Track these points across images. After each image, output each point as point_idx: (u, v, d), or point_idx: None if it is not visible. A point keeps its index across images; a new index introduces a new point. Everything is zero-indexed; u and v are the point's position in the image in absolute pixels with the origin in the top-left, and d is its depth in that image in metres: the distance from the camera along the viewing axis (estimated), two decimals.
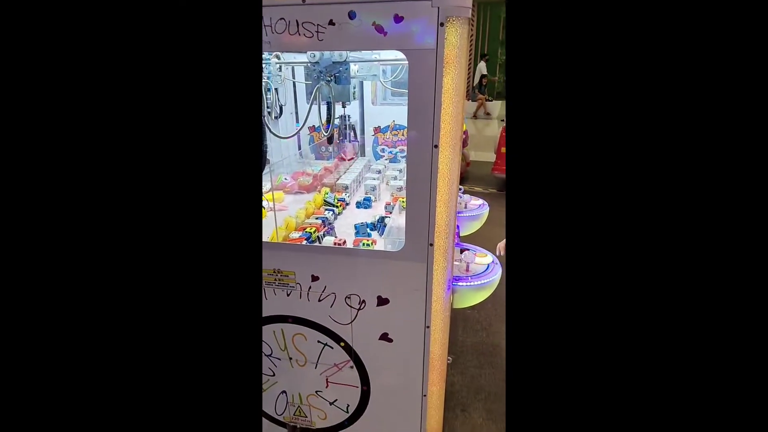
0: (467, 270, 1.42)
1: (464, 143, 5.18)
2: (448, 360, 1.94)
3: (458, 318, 2.49)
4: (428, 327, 1.28)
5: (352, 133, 1.56)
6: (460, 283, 1.34)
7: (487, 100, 10.62)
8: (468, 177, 5.41)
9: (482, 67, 10.67)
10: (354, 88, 1.50)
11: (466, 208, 2.00)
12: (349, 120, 1.52)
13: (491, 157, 5.19)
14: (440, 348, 1.34)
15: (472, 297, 1.38)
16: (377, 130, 2.29)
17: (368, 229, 1.45)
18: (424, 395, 1.37)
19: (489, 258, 1.48)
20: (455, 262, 1.45)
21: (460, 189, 1.89)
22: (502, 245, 1.46)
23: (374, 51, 1.54)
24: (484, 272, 1.40)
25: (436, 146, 1.09)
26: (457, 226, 1.93)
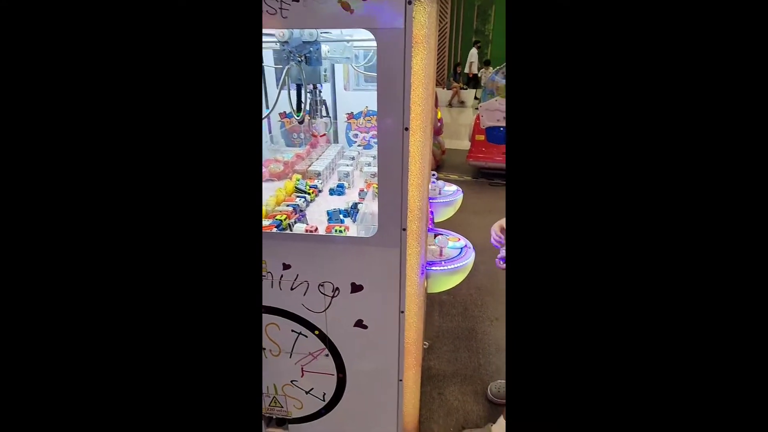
0: (441, 254, 1.42)
1: (439, 131, 5.19)
2: (425, 345, 1.96)
3: (435, 303, 2.52)
4: (402, 312, 1.28)
5: (323, 109, 1.51)
6: (434, 268, 1.34)
7: (461, 89, 10.67)
8: (443, 165, 5.43)
9: (474, 54, 10.59)
10: (325, 70, 1.46)
11: (440, 194, 2.00)
12: (320, 95, 1.47)
13: (466, 145, 5.23)
14: (415, 332, 1.35)
15: (447, 281, 1.38)
16: (350, 116, 2.25)
17: (341, 216, 1.43)
18: (400, 380, 1.38)
19: (462, 242, 1.49)
20: (429, 247, 1.44)
21: (433, 175, 1.89)
22: (499, 227, 1.40)
23: (343, 31, 1.50)
24: (458, 256, 1.41)
25: (406, 129, 1.07)
26: (431, 212, 1.93)
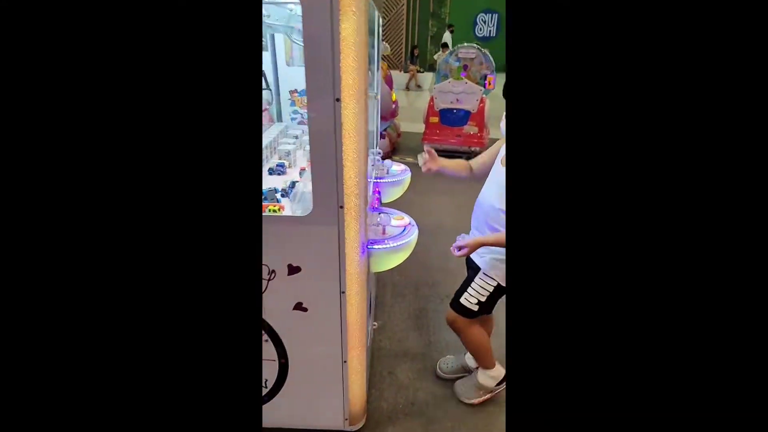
0: (383, 233, 1.39)
1: (394, 114, 5.14)
2: (374, 325, 1.95)
3: (387, 284, 2.51)
4: (344, 292, 1.25)
5: (263, 80, 1.41)
6: (376, 246, 1.31)
7: (418, 72, 10.63)
8: (399, 148, 5.41)
9: (447, 37, 10.40)
10: (264, 38, 1.36)
11: (388, 173, 1.97)
12: None
13: (422, 128, 5.23)
14: (358, 313, 1.32)
15: (389, 259, 1.36)
16: (294, 93, 2.15)
17: (278, 195, 1.35)
18: (345, 361, 1.35)
19: (406, 220, 1.47)
20: (372, 226, 1.41)
21: (378, 153, 1.84)
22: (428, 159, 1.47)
23: None
24: (400, 234, 1.38)
25: (338, 100, 1.01)
26: (378, 192, 1.90)
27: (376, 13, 1.68)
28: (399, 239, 1.36)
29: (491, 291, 1.48)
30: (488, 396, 1.70)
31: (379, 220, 1.39)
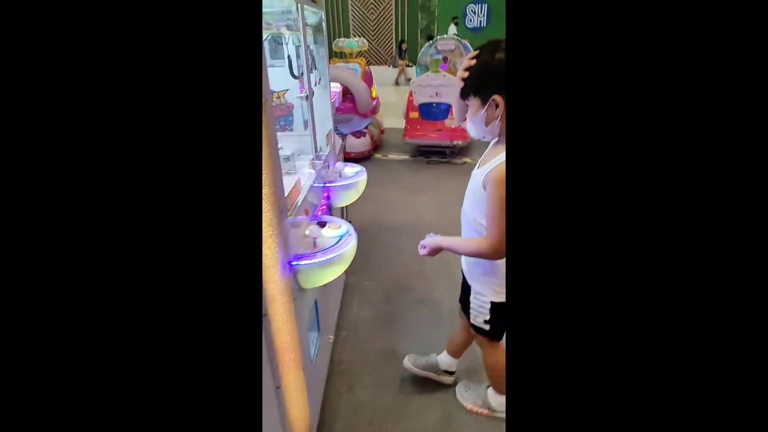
0: (315, 245, 1.28)
1: (374, 111, 5.02)
2: (330, 339, 1.84)
3: (355, 291, 2.41)
4: (265, 315, 1.14)
5: None
6: (303, 261, 1.20)
7: (407, 66, 10.47)
8: (383, 145, 5.30)
9: (452, 29, 10.14)
10: None
11: (340, 176, 1.85)
12: None
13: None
14: (288, 335, 1.21)
15: (321, 275, 1.24)
16: None
17: None
18: (278, 387, 1.25)
19: (343, 229, 1.35)
20: (302, 239, 1.30)
21: (320, 156, 1.73)
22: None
23: None
24: (334, 246, 1.27)
25: None
26: (328, 197, 1.78)
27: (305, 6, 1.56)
28: (330, 252, 1.25)
29: (489, 308, 1.34)
30: (483, 412, 1.62)
31: (308, 231, 1.28)
